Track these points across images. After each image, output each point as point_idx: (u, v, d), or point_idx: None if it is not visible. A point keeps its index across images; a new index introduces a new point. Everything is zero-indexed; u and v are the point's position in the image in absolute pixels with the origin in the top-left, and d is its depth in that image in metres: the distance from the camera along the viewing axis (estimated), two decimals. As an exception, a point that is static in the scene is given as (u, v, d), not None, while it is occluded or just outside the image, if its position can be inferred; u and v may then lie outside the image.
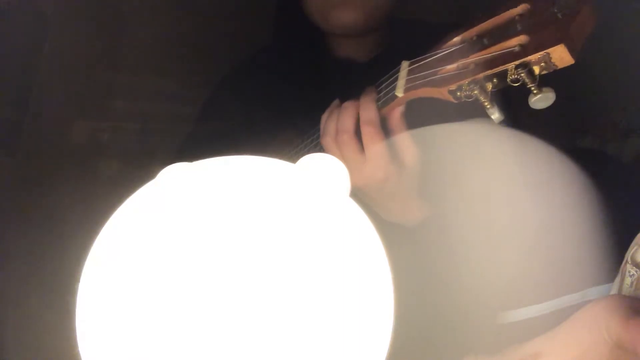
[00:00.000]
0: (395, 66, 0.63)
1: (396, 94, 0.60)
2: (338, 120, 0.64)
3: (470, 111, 0.67)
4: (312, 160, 0.38)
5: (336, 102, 0.67)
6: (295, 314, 0.32)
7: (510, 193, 0.64)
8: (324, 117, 0.67)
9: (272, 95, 0.87)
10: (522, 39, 0.48)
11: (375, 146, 0.62)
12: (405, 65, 0.61)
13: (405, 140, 0.64)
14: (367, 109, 0.63)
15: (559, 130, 1.11)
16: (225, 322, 0.32)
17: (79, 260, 0.36)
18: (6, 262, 0.88)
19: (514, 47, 0.48)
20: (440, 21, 0.63)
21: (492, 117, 0.51)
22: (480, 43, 0.52)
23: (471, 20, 0.54)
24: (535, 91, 0.47)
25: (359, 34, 0.85)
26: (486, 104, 0.51)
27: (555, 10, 0.46)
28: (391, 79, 0.62)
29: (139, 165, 1.08)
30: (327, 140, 0.65)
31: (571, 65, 0.47)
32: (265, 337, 0.32)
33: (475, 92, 0.51)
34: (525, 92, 0.49)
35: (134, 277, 0.33)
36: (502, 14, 0.51)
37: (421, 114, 0.65)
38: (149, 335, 0.32)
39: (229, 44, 1.09)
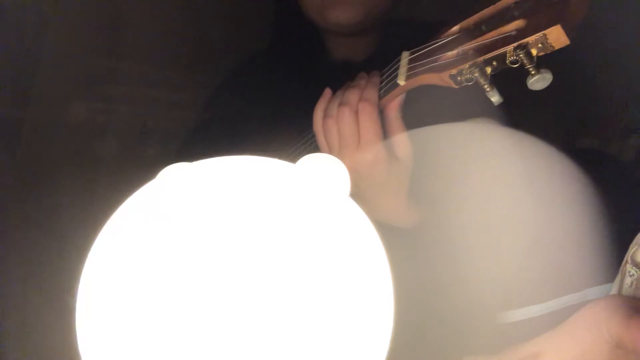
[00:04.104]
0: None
1: (398, 82, 0.61)
2: (342, 97, 0.64)
3: (470, 111, 0.67)
4: (312, 160, 0.38)
5: (327, 90, 0.68)
6: (296, 314, 0.32)
7: (510, 193, 0.64)
8: (318, 107, 0.67)
9: (271, 96, 0.87)
10: (519, 23, 0.50)
11: (369, 124, 0.62)
12: (405, 54, 0.62)
13: (400, 133, 0.64)
14: (369, 88, 0.64)
15: (559, 130, 1.11)
16: (225, 322, 0.32)
17: (79, 260, 0.36)
18: (6, 262, 0.87)
19: (512, 31, 0.50)
20: (436, 20, 0.63)
21: (492, 99, 0.53)
22: (479, 30, 0.54)
23: (469, 10, 0.55)
24: (533, 72, 0.48)
25: (356, 34, 0.85)
26: (486, 87, 0.53)
27: None
28: (392, 69, 0.63)
29: (137, 152, 1.08)
30: (328, 121, 0.64)
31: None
32: (265, 336, 0.32)
33: (476, 75, 0.52)
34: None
35: (134, 277, 0.33)
36: (498, 2, 0.52)
37: (421, 115, 0.65)
38: (149, 335, 0.32)
39: (228, 35, 1.09)
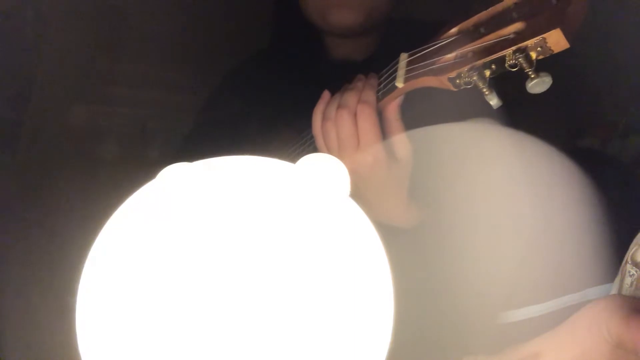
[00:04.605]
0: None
1: (396, 84, 0.61)
2: (340, 99, 0.64)
3: (470, 112, 0.67)
4: (312, 160, 0.38)
5: (326, 93, 0.68)
6: (296, 313, 0.32)
7: (510, 193, 0.64)
8: (317, 110, 0.67)
9: (271, 96, 0.87)
10: (518, 26, 0.49)
11: (368, 126, 0.62)
12: (404, 57, 0.62)
13: (400, 134, 0.64)
14: (367, 90, 0.64)
15: (559, 130, 1.11)
16: (225, 322, 0.32)
17: (79, 260, 0.36)
18: (6, 262, 0.87)
19: (511, 34, 0.49)
20: (436, 19, 0.63)
21: (491, 102, 0.53)
22: (477, 32, 0.53)
23: (468, 12, 0.55)
24: (532, 76, 0.48)
25: (357, 35, 0.85)
26: (485, 90, 0.52)
27: None
28: (391, 71, 0.63)
29: (138, 153, 1.08)
30: (326, 124, 0.64)
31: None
32: (265, 336, 0.32)
33: (475, 78, 0.52)
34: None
35: (134, 277, 0.33)
36: (498, 4, 0.52)
37: (421, 115, 0.65)
38: (149, 335, 0.32)
39: (228, 35, 1.09)
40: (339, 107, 0.63)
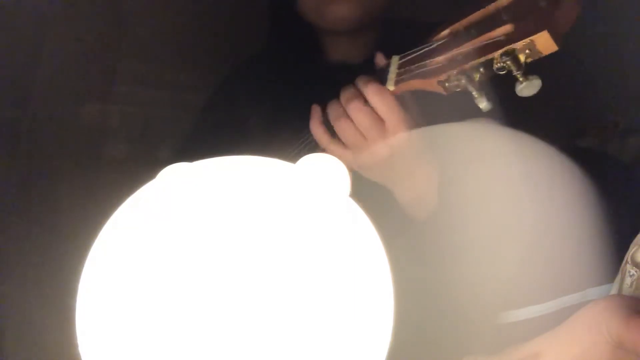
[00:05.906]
0: None
1: (387, 87, 0.60)
2: (343, 98, 0.63)
3: (470, 111, 0.67)
4: (312, 160, 0.38)
5: (315, 107, 0.67)
6: (295, 314, 0.32)
7: (511, 193, 0.64)
8: (314, 125, 0.66)
9: (269, 97, 0.87)
10: (507, 28, 0.49)
11: (390, 104, 0.60)
12: (395, 59, 0.62)
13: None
14: (370, 83, 0.62)
15: (559, 130, 1.11)
16: (225, 322, 0.32)
17: (79, 260, 0.36)
18: (6, 262, 0.88)
19: (500, 36, 0.49)
20: (432, 21, 0.63)
21: (480, 106, 0.52)
22: (468, 34, 0.53)
23: (459, 14, 0.55)
24: (521, 79, 0.48)
25: (354, 33, 0.85)
26: (474, 93, 0.52)
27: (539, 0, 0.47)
28: (382, 74, 0.63)
29: (143, 152, 1.08)
30: (340, 123, 0.62)
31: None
32: (265, 337, 0.32)
33: (463, 81, 0.52)
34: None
35: (134, 277, 0.33)
36: (489, 6, 0.52)
37: (420, 115, 0.65)
38: (149, 336, 0.32)
39: (228, 35, 1.09)
40: (348, 102, 0.62)
